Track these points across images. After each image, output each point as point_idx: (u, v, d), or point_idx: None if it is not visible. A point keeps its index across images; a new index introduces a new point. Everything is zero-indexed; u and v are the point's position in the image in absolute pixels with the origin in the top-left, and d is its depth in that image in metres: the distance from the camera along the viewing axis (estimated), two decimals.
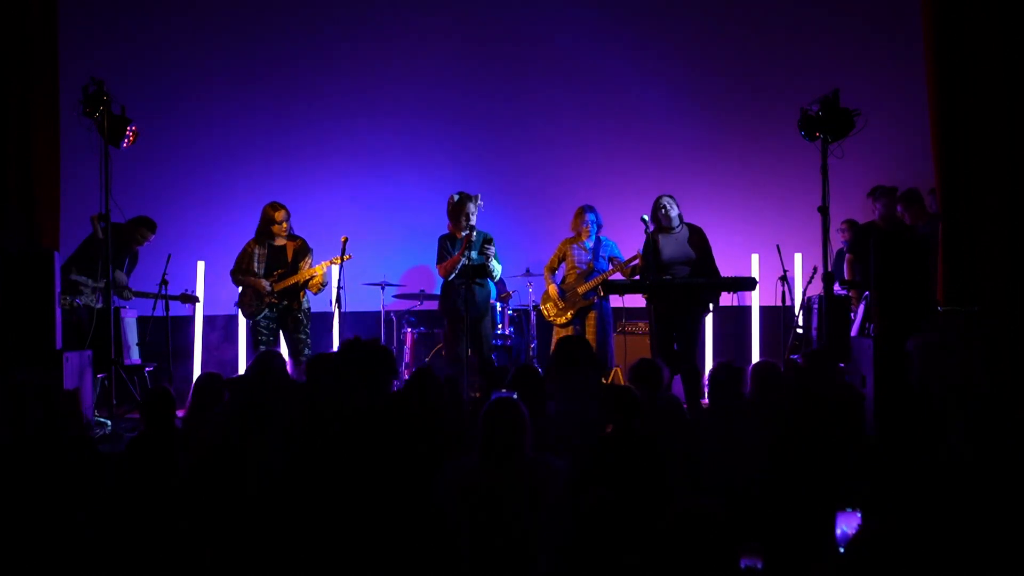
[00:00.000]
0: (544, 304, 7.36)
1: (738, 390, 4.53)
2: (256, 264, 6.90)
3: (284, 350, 6.95)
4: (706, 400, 5.19)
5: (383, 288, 8.01)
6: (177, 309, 7.43)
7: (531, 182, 8.78)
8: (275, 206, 6.90)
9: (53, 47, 6.71)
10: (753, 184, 8.64)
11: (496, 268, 6.77)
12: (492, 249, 6.68)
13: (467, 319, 6.43)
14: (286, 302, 6.88)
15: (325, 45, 8.75)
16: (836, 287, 6.18)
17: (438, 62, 8.75)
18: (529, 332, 8.01)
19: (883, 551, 2.32)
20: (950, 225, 6.34)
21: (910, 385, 5.30)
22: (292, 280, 6.85)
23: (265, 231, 6.91)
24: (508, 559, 3.42)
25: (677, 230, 6.57)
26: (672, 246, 6.52)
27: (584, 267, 7.18)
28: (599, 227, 7.25)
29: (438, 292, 7.10)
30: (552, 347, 6.63)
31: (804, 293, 7.35)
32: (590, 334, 7.10)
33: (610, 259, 7.16)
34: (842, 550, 2.70)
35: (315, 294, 7.00)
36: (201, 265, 8.16)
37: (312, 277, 6.84)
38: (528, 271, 8.05)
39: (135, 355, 7.25)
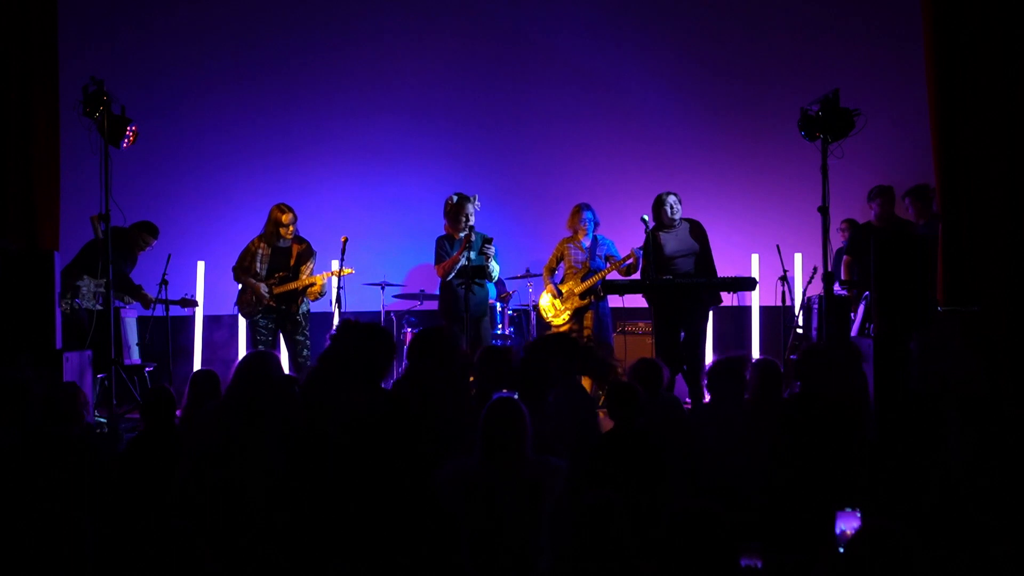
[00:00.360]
0: (542, 304, 7.36)
1: (738, 384, 4.52)
2: (259, 264, 6.90)
3: (283, 353, 6.97)
4: (708, 397, 5.19)
5: (383, 288, 8.01)
6: (177, 308, 7.43)
7: (531, 182, 8.77)
8: (282, 208, 6.90)
9: (53, 47, 6.71)
10: (753, 184, 8.63)
11: (495, 269, 6.78)
12: (492, 250, 6.68)
13: (467, 319, 6.43)
14: (284, 306, 6.87)
15: (325, 44, 8.74)
16: (836, 287, 6.18)
17: (438, 62, 8.74)
18: (529, 332, 8.00)
19: (883, 551, 2.32)
20: (950, 225, 6.34)
21: (910, 385, 5.30)
22: (291, 285, 6.84)
23: (272, 232, 6.91)
24: (508, 559, 3.43)
25: (678, 226, 6.62)
26: (674, 241, 6.58)
27: (580, 266, 7.18)
28: (596, 225, 7.24)
29: (438, 292, 7.10)
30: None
31: (804, 293, 7.36)
32: (588, 334, 7.10)
33: (607, 258, 7.15)
34: (842, 550, 2.70)
35: (312, 301, 6.99)
36: (201, 265, 8.16)
37: (311, 285, 6.84)
38: (528, 271, 8.05)
39: (135, 355, 7.25)
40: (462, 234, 6.74)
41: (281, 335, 6.98)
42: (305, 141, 8.74)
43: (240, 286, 6.98)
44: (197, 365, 8.02)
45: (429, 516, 3.58)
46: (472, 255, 6.63)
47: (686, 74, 8.77)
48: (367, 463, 3.74)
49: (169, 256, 6.94)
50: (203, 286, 8.12)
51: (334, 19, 8.78)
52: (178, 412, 4.55)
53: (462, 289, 6.54)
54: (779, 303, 7.33)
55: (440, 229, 7.00)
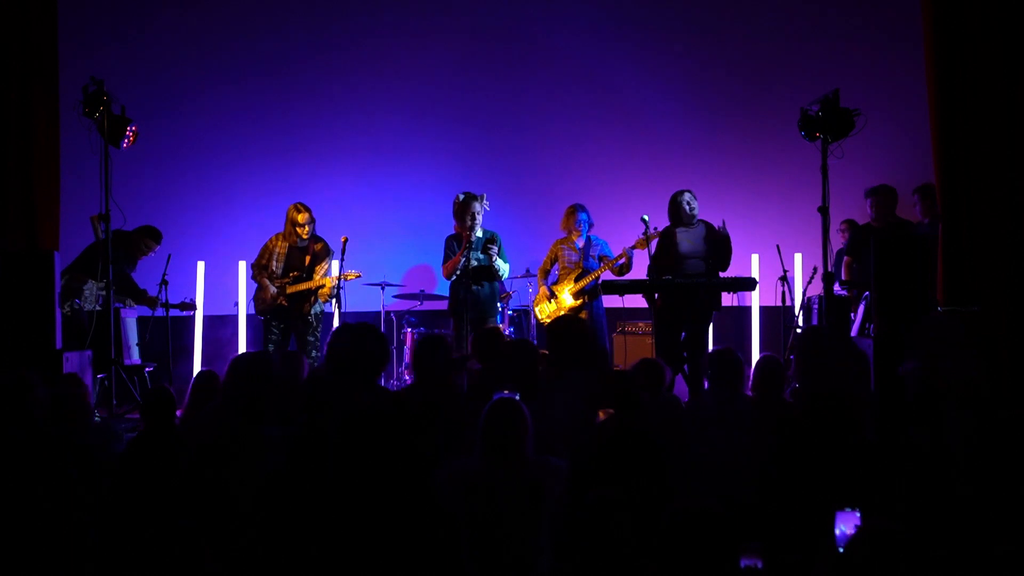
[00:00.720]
0: (537, 306, 7.36)
1: (737, 375, 4.52)
2: (275, 262, 6.91)
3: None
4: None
5: (383, 288, 8.01)
6: (177, 309, 7.43)
7: (532, 182, 8.77)
8: (298, 207, 6.91)
9: (53, 47, 6.71)
10: (753, 184, 8.63)
11: (503, 268, 6.74)
12: (494, 248, 6.64)
13: (466, 320, 6.43)
14: (295, 306, 6.88)
15: (326, 44, 8.75)
16: (836, 287, 6.18)
17: (440, 61, 8.75)
18: (529, 332, 8.00)
19: (883, 551, 2.32)
20: (950, 225, 6.34)
21: (910, 385, 5.30)
22: (304, 286, 6.85)
23: (290, 231, 6.93)
24: (509, 559, 3.43)
25: (696, 225, 6.59)
26: (689, 240, 6.54)
27: (573, 267, 7.17)
28: (590, 226, 7.24)
29: (438, 292, 7.10)
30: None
31: (804, 293, 7.36)
32: None
33: (600, 258, 7.15)
34: (842, 550, 2.70)
35: (323, 302, 7.01)
36: (201, 265, 8.15)
37: (322, 286, 6.85)
38: (528, 271, 8.05)
39: (135, 355, 7.25)
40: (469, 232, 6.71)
41: (292, 335, 6.99)
42: (305, 141, 8.74)
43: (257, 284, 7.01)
44: (197, 365, 8.02)
45: (429, 517, 3.58)
46: (479, 254, 6.61)
47: (686, 74, 8.77)
48: (367, 463, 3.74)
49: (169, 256, 6.94)
50: (203, 286, 8.12)
51: (334, 19, 8.79)
52: (178, 412, 4.55)
53: (463, 289, 6.53)
54: (779, 303, 7.33)
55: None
